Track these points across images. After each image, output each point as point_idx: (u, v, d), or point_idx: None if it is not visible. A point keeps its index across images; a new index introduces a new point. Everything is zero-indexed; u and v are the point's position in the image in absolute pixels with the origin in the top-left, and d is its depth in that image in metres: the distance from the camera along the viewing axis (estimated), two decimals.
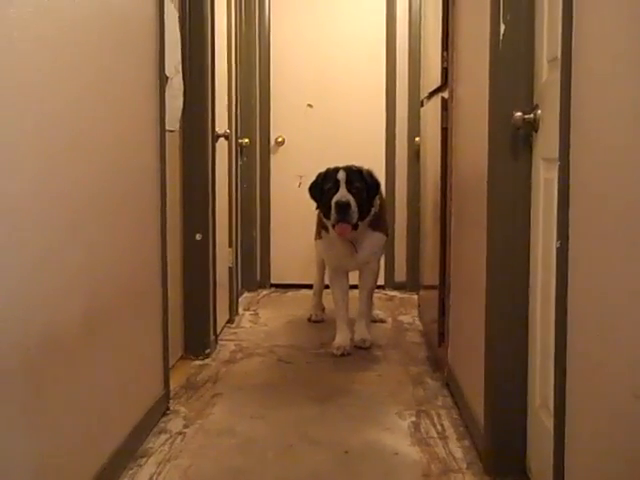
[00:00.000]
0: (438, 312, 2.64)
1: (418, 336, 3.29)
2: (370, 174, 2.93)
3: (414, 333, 3.35)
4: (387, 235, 3.16)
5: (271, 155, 4.53)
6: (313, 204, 2.98)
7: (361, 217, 2.85)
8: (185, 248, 2.84)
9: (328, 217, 2.85)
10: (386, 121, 4.45)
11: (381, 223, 3.07)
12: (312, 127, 4.48)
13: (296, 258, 4.45)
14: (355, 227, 2.84)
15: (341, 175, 2.84)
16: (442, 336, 2.60)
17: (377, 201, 2.97)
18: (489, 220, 1.79)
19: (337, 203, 2.77)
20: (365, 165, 3.04)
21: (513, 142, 1.71)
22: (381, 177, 3.44)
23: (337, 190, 2.81)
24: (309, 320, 3.58)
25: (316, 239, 3.21)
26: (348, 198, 2.78)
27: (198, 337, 2.88)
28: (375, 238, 3.04)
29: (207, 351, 2.90)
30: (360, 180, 2.86)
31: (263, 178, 4.52)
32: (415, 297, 3.87)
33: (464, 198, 2.24)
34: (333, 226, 2.85)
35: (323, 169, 2.98)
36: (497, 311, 1.77)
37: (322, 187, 2.88)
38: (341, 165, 2.93)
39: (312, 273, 3.66)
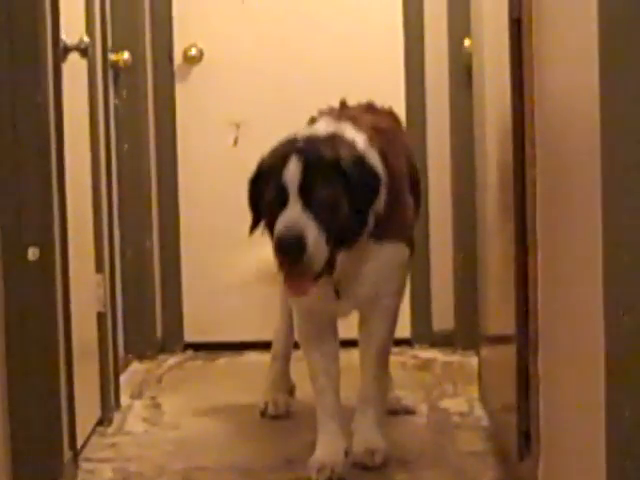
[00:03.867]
0: (517, 390, 2.65)
1: (479, 440, 3.30)
2: (359, 160, 2.82)
3: (471, 434, 3.37)
4: (412, 246, 3.12)
5: (176, 84, 4.52)
6: None
7: (347, 243, 2.82)
8: (6, 278, 2.78)
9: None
10: (403, 7, 4.40)
11: (396, 223, 3.02)
12: (256, 25, 4.43)
13: (235, 290, 4.24)
14: (324, 273, 2.77)
15: (291, 173, 2.74)
16: (526, 439, 2.62)
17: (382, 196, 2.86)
18: (605, 201, 1.75)
19: (279, 241, 2.69)
20: (376, 99, 3.10)
21: None
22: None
23: (284, 205, 2.72)
24: (262, 415, 3.58)
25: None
26: (300, 229, 2.69)
27: (38, 458, 2.83)
28: (386, 254, 3.02)
29: None
30: (332, 179, 2.77)
31: (162, 130, 4.50)
32: (473, 361, 3.88)
33: (559, 159, 2.22)
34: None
35: (277, 138, 2.85)
36: (630, 386, 1.71)
37: (262, 193, 2.82)
38: (303, 130, 2.86)
39: (268, 320, 3.65)
